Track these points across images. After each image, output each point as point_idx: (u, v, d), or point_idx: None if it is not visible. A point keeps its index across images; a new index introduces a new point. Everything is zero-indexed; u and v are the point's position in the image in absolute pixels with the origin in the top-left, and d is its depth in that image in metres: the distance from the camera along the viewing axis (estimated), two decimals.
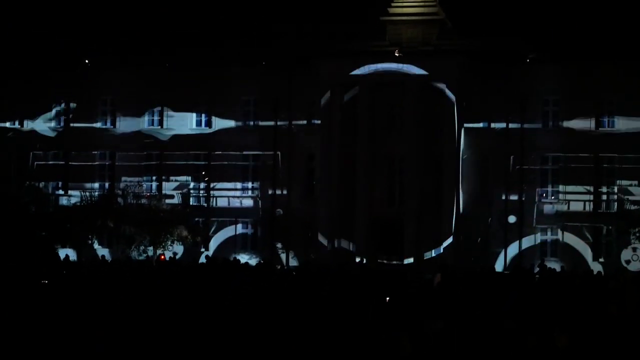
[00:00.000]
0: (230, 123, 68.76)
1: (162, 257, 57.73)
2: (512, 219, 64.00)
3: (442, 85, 64.15)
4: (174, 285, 31.85)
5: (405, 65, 64.50)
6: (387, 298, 28.18)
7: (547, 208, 64.96)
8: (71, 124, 70.78)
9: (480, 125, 65.53)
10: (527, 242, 64.63)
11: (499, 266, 62.22)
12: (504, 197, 64.32)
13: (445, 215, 64.09)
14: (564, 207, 64.51)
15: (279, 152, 66.98)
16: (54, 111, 71.58)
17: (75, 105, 70.66)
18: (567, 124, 64.88)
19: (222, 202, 68.35)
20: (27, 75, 70.28)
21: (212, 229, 68.01)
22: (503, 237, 63.98)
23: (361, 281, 36.02)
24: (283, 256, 65.54)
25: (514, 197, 64.42)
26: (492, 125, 65.41)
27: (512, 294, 24.69)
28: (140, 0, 75.70)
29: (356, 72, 64.95)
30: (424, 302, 26.96)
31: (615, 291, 31.37)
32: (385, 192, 66.40)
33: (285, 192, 66.99)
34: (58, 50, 71.55)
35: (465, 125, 64.97)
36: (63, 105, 71.33)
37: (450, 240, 63.74)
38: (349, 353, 18.41)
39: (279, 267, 54.22)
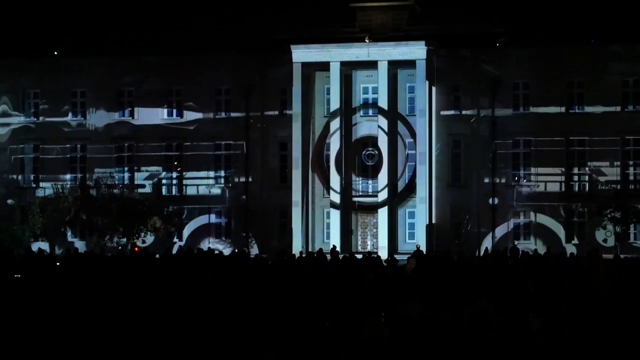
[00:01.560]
0: (202, 112, 68.59)
1: (137, 249, 57.58)
2: (490, 201, 64.32)
3: (413, 71, 64.22)
4: (150, 278, 31.74)
5: (376, 51, 64.50)
6: (358, 287, 28.24)
7: (524, 190, 65.35)
8: (42, 117, 70.35)
9: (452, 111, 65.75)
10: (502, 225, 65.07)
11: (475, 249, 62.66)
12: (477, 182, 64.77)
13: (421, 201, 64.27)
14: (540, 189, 64.93)
15: (249, 141, 66.79)
16: (25, 104, 71.08)
17: (46, 97, 70.25)
18: (537, 107, 65.20)
19: (192, 191, 68.23)
20: None
21: (184, 218, 67.94)
22: (477, 221, 64.31)
23: (336, 269, 36.08)
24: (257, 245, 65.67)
25: (489, 181, 64.74)
26: (464, 110, 65.60)
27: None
28: None
29: (327, 58, 64.80)
30: (398, 287, 27.06)
31: (588, 272, 31.60)
32: (359, 179, 66.54)
33: (250, 179, 66.97)
34: (28, 42, 71.42)
35: (437, 110, 65.22)
36: (34, 98, 70.98)
37: (425, 225, 63.98)
38: (327, 339, 18.48)
39: (253, 256, 54.18)
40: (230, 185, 67.97)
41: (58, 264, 40.33)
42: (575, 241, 64.11)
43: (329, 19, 67.35)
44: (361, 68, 65.49)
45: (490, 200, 64.44)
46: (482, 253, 59.83)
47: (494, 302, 20.49)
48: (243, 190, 66.95)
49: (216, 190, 68.22)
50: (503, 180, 65.26)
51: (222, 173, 68.70)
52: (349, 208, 65.78)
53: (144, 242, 62.25)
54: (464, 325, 18.52)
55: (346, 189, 65.59)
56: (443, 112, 65.53)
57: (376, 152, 65.51)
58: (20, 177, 70.08)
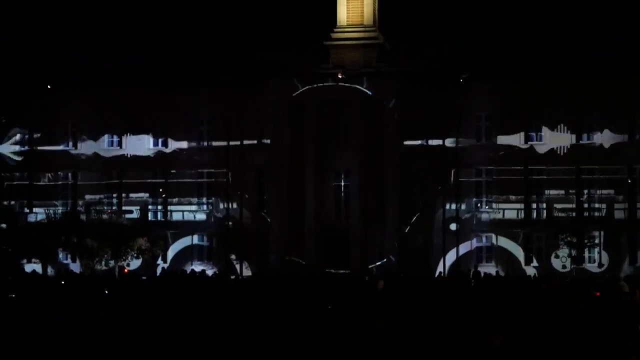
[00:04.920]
0: (185, 142, 71.49)
1: (126, 270, 59.40)
2: (453, 226, 65.61)
3: (383, 105, 66.92)
4: (139, 299, 32.98)
5: (348, 85, 67.31)
6: (329, 307, 29.84)
7: (484, 217, 68.18)
8: (35, 147, 73.16)
9: (419, 142, 68.23)
10: (465, 248, 67.54)
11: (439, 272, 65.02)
12: (441, 209, 66.64)
13: (389, 227, 67.11)
14: (499, 216, 67.80)
15: (230, 169, 68.55)
16: (18, 135, 74.08)
17: (38, 128, 72.84)
18: (498, 138, 68.12)
19: (177, 216, 70.96)
20: None
21: (170, 242, 70.35)
22: (443, 245, 65.55)
23: (310, 290, 37.32)
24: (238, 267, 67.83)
25: (453, 208, 66.38)
26: (430, 141, 68.01)
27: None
28: (94, 26, 77.74)
29: (303, 92, 67.66)
30: (367, 306, 28.60)
31: (547, 292, 34.13)
32: (332, 206, 69.22)
33: (232, 205, 68.74)
34: (20, 75, 73.35)
35: (405, 142, 67.78)
36: (26, 129, 73.70)
37: (394, 249, 66.60)
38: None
39: (232, 277, 55.95)
40: (213, 210, 70.66)
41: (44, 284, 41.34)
42: (534, 264, 66.77)
43: (305, 55, 69.76)
44: (334, 101, 67.88)
45: (456, 226, 65.74)
46: (445, 275, 62.15)
47: (459, 319, 21.85)
48: (226, 216, 68.49)
49: (201, 216, 70.99)
50: (468, 207, 67.97)
51: (205, 199, 71.50)
52: (325, 232, 68.11)
53: (128, 264, 64.49)
54: (440, 345, 20.02)
55: (320, 215, 68.38)
56: (410, 143, 68.01)
57: (349, 182, 68.38)
58: (17, 204, 72.95)
